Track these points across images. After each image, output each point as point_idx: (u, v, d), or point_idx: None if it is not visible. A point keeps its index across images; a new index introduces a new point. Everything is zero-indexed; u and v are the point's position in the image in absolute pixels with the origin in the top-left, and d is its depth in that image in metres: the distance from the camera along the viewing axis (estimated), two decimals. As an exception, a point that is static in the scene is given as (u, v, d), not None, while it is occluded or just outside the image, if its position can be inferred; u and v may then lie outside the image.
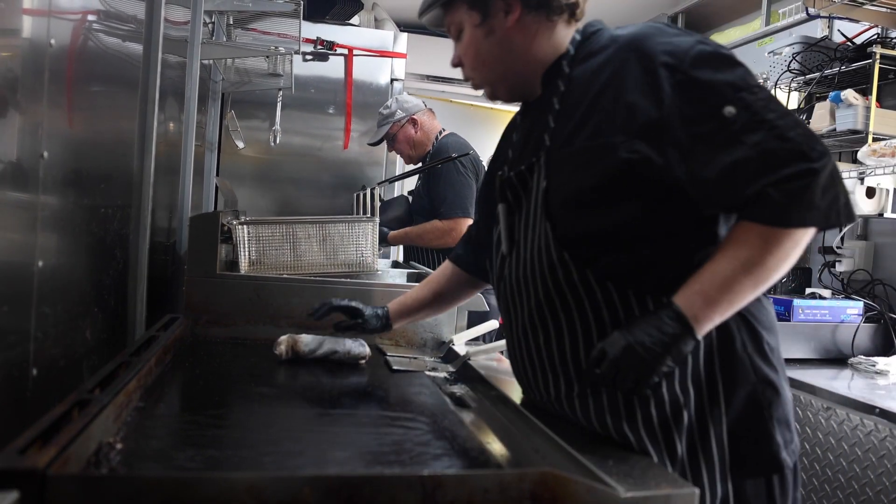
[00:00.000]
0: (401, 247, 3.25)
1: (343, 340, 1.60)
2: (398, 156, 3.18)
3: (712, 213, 1.04)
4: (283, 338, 1.58)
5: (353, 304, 1.57)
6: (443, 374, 1.56)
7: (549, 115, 1.13)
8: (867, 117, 2.38)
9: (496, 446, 1.10)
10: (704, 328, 0.99)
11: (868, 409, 1.91)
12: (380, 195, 2.79)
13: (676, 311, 0.98)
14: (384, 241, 2.87)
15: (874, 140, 2.37)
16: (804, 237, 0.97)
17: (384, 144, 3.09)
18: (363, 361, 1.60)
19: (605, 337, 1.04)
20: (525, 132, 1.22)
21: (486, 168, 1.47)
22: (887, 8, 2.38)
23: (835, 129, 2.46)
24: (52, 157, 1.17)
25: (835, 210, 0.95)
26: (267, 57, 3.15)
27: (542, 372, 1.14)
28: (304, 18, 3.02)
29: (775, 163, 0.93)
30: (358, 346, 1.59)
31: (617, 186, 1.03)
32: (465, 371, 1.57)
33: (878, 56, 2.37)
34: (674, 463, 1.04)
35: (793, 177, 0.93)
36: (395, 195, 3.31)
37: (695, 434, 1.05)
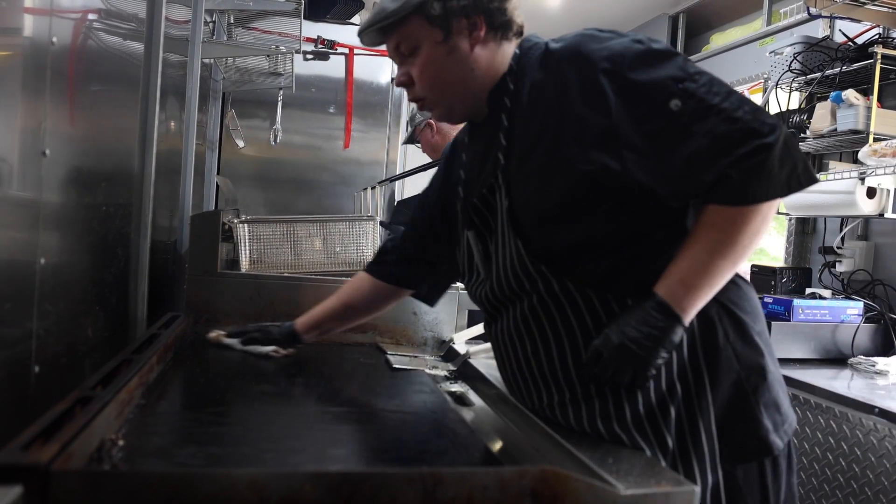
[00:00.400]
0: None
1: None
2: (398, 156, 3.18)
3: (678, 205, 1.06)
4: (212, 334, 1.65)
5: (259, 326, 1.60)
6: (443, 373, 1.57)
7: (500, 133, 1.13)
8: (868, 117, 2.38)
9: (496, 444, 1.10)
10: (690, 314, 1.03)
11: (868, 408, 1.91)
12: (392, 194, 2.79)
13: (660, 302, 1.01)
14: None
15: (875, 140, 2.37)
16: (770, 209, 1.01)
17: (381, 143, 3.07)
18: (275, 352, 1.56)
19: (590, 341, 1.06)
20: (478, 152, 1.21)
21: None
22: (889, 8, 2.38)
23: (835, 130, 2.46)
24: (54, 156, 1.17)
25: (795, 178, 1.00)
26: (268, 56, 3.16)
27: (532, 381, 1.15)
28: (304, 17, 3.02)
29: (729, 145, 0.96)
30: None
31: (580, 198, 1.05)
32: (465, 370, 1.57)
33: (879, 56, 2.37)
34: (665, 456, 1.05)
35: (748, 154, 0.96)
36: (411, 195, 3.32)
37: (684, 427, 1.07)
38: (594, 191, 1.04)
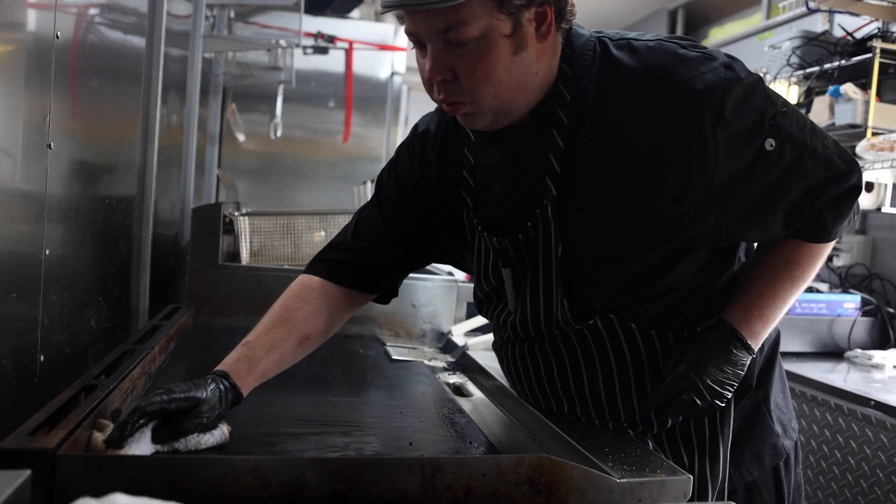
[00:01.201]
0: None
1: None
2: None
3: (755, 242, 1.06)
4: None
5: (177, 395, 0.89)
6: (442, 364, 1.58)
7: (551, 154, 0.95)
8: (866, 112, 2.39)
9: (494, 433, 1.12)
10: (758, 345, 1.03)
11: (864, 401, 1.93)
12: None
13: (742, 340, 0.99)
14: None
15: (873, 134, 2.38)
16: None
17: (386, 137, 3.08)
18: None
19: (625, 372, 1.02)
20: (507, 167, 1.01)
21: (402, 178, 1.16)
22: (888, 2, 2.38)
23: (834, 124, 2.47)
24: (58, 149, 1.18)
25: (857, 212, 1.03)
26: (268, 50, 3.17)
27: (553, 397, 1.10)
28: (304, 12, 3.03)
29: (825, 187, 0.97)
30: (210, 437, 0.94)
31: (662, 256, 0.96)
32: (463, 361, 1.58)
33: (878, 50, 2.37)
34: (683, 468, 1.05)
35: (841, 197, 0.98)
36: None
37: (706, 443, 1.06)
38: (679, 250, 0.96)
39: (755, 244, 1.09)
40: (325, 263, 1.16)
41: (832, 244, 1.03)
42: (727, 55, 0.94)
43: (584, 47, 0.95)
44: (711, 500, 1.06)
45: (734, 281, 1.05)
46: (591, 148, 0.94)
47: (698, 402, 0.98)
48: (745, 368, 1.00)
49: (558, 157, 0.95)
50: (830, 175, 0.97)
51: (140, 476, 0.72)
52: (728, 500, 1.07)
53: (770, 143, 0.92)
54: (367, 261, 1.15)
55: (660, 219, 0.93)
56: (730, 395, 1.00)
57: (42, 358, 1.14)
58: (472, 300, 1.90)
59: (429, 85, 0.92)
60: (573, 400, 1.07)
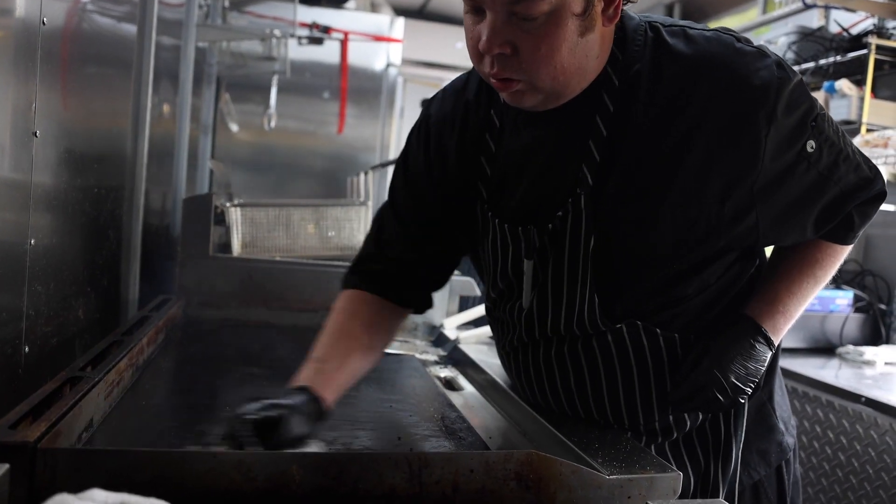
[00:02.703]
0: None
1: None
2: (392, 141, 3.17)
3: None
4: None
5: (268, 413, 0.86)
6: (433, 358, 1.58)
7: (591, 141, 0.90)
8: (861, 108, 2.39)
9: (484, 428, 1.11)
10: (779, 341, 1.03)
11: (854, 397, 1.94)
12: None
13: (765, 335, 0.98)
14: None
15: (868, 131, 2.38)
16: None
17: (382, 129, 3.05)
18: None
19: (646, 378, 0.99)
20: (540, 152, 0.96)
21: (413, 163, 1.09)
22: (884, -2, 2.38)
23: (829, 120, 2.46)
24: (45, 137, 1.17)
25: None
26: (262, 40, 3.14)
27: (569, 404, 1.05)
28: (299, 2, 3.00)
29: (855, 193, 0.98)
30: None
31: (700, 256, 0.93)
32: (455, 355, 1.58)
33: (873, 47, 2.37)
34: (687, 483, 1.04)
35: (870, 202, 1.01)
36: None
37: (720, 447, 1.06)
38: (713, 254, 0.94)
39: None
40: (360, 276, 1.12)
41: (850, 248, 1.05)
42: (774, 53, 0.93)
43: (635, 31, 0.91)
44: (721, 497, 1.05)
45: (753, 284, 1.04)
46: (637, 138, 0.89)
47: (720, 398, 0.96)
48: (766, 364, 0.99)
49: (599, 145, 0.90)
50: (859, 180, 0.97)
51: (122, 470, 0.71)
52: (737, 500, 1.07)
53: (811, 145, 0.91)
54: (394, 271, 1.10)
55: (702, 217, 0.89)
56: (751, 391, 0.98)
57: (27, 349, 1.13)
58: (464, 293, 1.90)
59: (478, 56, 0.85)
60: (589, 407, 1.03)
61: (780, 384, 1.16)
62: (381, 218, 1.14)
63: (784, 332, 1.02)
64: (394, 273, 1.10)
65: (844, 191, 0.96)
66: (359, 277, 1.12)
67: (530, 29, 0.81)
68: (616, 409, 1.02)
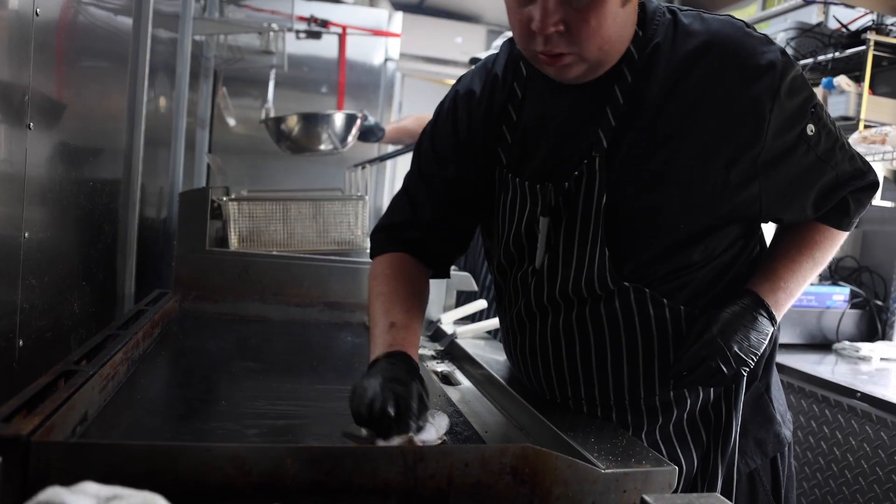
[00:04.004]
0: None
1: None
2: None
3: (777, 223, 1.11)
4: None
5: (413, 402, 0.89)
6: (430, 353, 1.57)
7: (608, 107, 0.97)
8: (859, 104, 2.39)
9: (480, 422, 1.11)
10: (781, 317, 1.07)
11: (850, 393, 1.94)
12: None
13: (768, 309, 1.03)
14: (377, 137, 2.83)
15: (866, 127, 2.38)
16: None
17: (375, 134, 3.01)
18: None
19: (649, 346, 1.02)
20: (561, 118, 1.02)
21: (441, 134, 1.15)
22: (883, -6, 2.37)
23: (827, 116, 2.46)
24: (39, 129, 1.16)
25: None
26: (260, 34, 3.12)
27: (571, 380, 1.08)
28: (297, -5, 2.98)
29: (849, 180, 1.06)
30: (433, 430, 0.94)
31: (706, 222, 0.98)
32: (452, 350, 1.58)
33: (872, 43, 2.37)
34: (690, 466, 1.08)
35: (863, 190, 1.08)
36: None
37: (717, 437, 1.09)
38: (718, 220, 0.99)
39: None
40: (398, 240, 1.16)
41: (845, 235, 1.11)
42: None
43: (654, 12, 0.99)
44: (719, 485, 1.08)
45: (754, 266, 1.09)
46: (650, 105, 0.96)
47: (724, 369, 0.99)
48: (769, 339, 1.03)
49: (615, 111, 0.97)
50: (854, 169, 1.06)
51: (117, 464, 0.70)
52: (727, 493, 1.09)
53: (810, 129, 0.98)
54: (427, 235, 1.15)
55: (709, 182, 0.95)
56: (753, 365, 1.02)
57: (21, 343, 1.12)
58: (461, 288, 1.90)
59: (528, 37, 0.92)
60: (592, 381, 1.06)
61: (776, 379, 1.19)
62: (408, 187, 1.19)
63: (785, 308, 1.07)
64: (426, 236, 1.15)
65: (840, 176, 1.04)
66: (395, 242, 1.16)
67: (579, 7, 0.88)
68: (618, 382, 1.05)
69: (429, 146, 1.17)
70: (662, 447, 1.07)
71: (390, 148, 3.35)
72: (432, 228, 1.15)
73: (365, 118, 2.72)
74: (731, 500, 1.06)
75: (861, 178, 1.07)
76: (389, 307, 1.06)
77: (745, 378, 1.06)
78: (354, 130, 2.15)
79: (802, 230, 1.09)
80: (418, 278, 1.15)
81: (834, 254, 1.12)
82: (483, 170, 1.10)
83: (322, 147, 2.33)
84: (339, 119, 1.99)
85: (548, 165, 1.03)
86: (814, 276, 1.10)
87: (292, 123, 1.92)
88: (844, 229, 1.10)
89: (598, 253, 0.99)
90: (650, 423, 1.07)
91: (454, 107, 1.13)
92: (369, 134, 2.78)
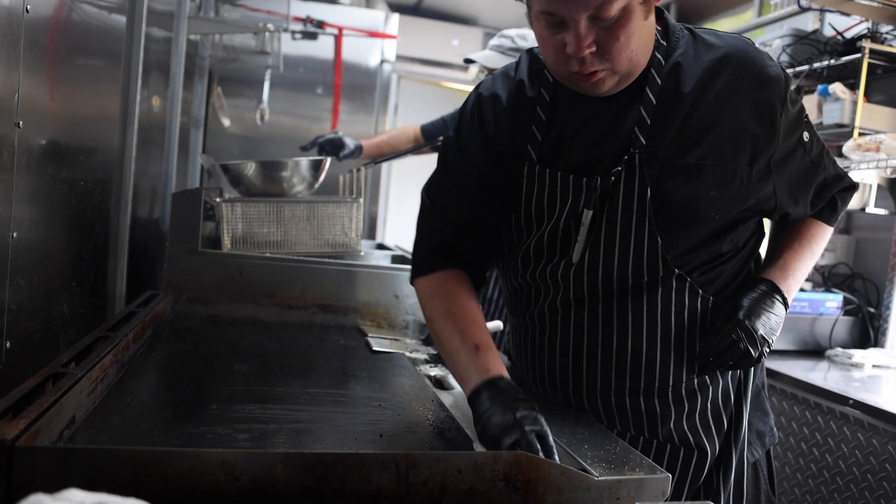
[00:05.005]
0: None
1: None
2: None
3: (784, 220, 1.23)
4: None
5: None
6: (423, 356, 1.56)
7: (642, 108, 1.05)
8: (854, 112, 2.39)
9: (473, 429, 1.10)
10: (791, 301, 1.18)
11: (842, 400, 1.94)
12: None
13: (783, 294, 1.14)
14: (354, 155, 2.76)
15: (860, 135, 2.38)
16: None
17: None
18: None
19: (681, 336, 1.10)
20: (598, 119, 1.08)
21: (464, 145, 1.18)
22: (878, 2, 2.38)
23: (821, 123, 2.47)
24: (29, 127, 1.15)
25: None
26: (255, 34, 3.11)
27: (603, 369, 1.13)
28: (293, -4, 2.98)
29: (834, 182, 1.21)
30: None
31: (735, 213, 1.08)
32: (445, 354, 1.57)
33: (867, 51, 2.37)
34: (713, 452, 1.16)
35: (846, 189, 1.24)
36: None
37: (731, 425, 1.17)
38: (744, 212, 1.09)
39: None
40: (439, 255, 1.18)
41: (832, 230, 1.25)
42: None
43: (674, 27, 1.09)
44: (733, 473, 1.16)
45: (759, 260, 1.22)
46: (680, 106, 1.04)
47: (751, 350, 1.07)
48: (783, 322, 1.13)
49: (649, 111, 1.05)
50: (837, 174, 1.21)
51: (103, 469, 0.69)
52: (739, 479, 1.17)
53: (806, 136, 1.12)
54: (460, 241, 1.17)
55: (737, 176, 1.05)
56: (771, 348, 1.11)
57: (8, 344, 1.11)
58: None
59: (563, 60, 0.99)
60: (625, 369, 1.12)
61: (765, 376, 1.31)
62: (431, 193, 1.21)
63: (794, 293, 1.17)
64: (460, 243, 1.17)
65: (828, 178, 1.19)
66: (440, 257, 1.18)
67: (607, 26, 0.96)
68: (650, 370, 1.11)
69: (455, 150, 1.19)
70: (690, 436, 1.14)
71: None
72: (463, 230, 1.17)
73: (339, 150, 2.69)
74: (742, 488, 1.17)
75: (843, 180, 1.23)
76: (465, 327, 1.08)
77: (748, 372, 1.17)
78: (322, 175, 2.06)
79: (800, 225, 1.22)
80: (473, 292, 1.17)
81: (824, 246, 1.25)
82: (510, 168, 1.13)
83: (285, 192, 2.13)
84: (303, 165, 1.92)
85: (583, 160, 1.08)
86: (811, 266, 1.22)
87: (250, 171, 1.84)
88: (832, 224, 1.24)
89: (648, 241, 1.06)
90: (677, 413, 1.13)
91: (479, 107, 1.17)
92: (348, 155, 2.77)
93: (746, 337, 1.07)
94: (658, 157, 1.04)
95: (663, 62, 1.06)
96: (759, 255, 1.23)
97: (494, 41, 2.40)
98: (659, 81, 1.05)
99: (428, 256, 1.18)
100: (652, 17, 1.02)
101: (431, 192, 1.21)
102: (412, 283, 1.21)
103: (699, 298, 1.10)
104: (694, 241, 1.07)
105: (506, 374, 1.02)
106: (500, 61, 2.23)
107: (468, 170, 1.17)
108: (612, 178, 1.06)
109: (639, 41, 0.99)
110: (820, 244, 1.23)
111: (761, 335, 1.08)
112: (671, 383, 1.12)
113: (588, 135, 1.08)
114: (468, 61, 2.46)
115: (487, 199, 1.16)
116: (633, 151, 1.05)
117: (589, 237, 1.08)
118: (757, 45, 1.10)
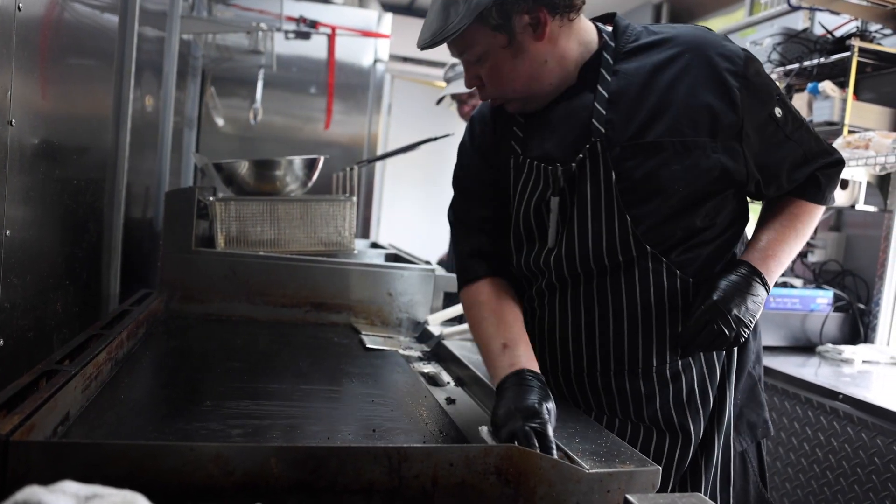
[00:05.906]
0: None
1: None
2: (379, 137, 3.16)
3: (764, 199, 1.24)
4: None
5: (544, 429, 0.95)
6: (416, 354, 1.57)
7: (597, 102, 1.11)
8: (843, 109, 2.41)
9: (465, 423, 1.11)
10: (772, 284, 1.18)
11: (833, 395, 1.96)
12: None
13: (762, 277, 1.13)
14: None
15: (849, 132, 2.40)
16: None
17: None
18: None
19: (662, 316, 1.13)
20: (560, 113, 1.16)
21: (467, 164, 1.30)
22: (867, 1, 2.40)
23: (811, 121, 2.49)
24: (21, 126, 1.15)
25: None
26: (248, 33, 3.11)
27: (588, 350, 1.17)
28: (286, -5, 2.97)
29: (816, 156, 1.19)
30: None
31: (701, 184, 1.09)
32: (438, 351, 1.58)
33: (856, 49, 2.39)
34: (697, 436, 1.18)
35: (829, 165, 1.21)
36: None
37: (714, 409, 1.19)
38: (713, 180, 1.10)
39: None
40: (482, 265, 1.25)
41: (822, 209, 1.24)
42: None
43: (627, 27, 1.16)
44: (715, 458, 1.17)
45: (741, 249, 1.22)
46: (635, 91, 1.10)
47: (726, 331, 1.08)
48: (763, 305, 1.13)
49: (603, 104, 1.11)
50: (820, 149, 1.20)
51: (97, 464, 0.70)
52: (726, 466, 1.19)
53: (778, 111, 1.13)
54: (494, 249, 1.25)
55: (697, 147, 1.08)
56: (751, 328, 1.11)
57: (1, 342, 1.11)
58: (448, 290, 1.90)
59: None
60: (608, 349, 1.15)
61: (762, 369, 1.32)
62: (453, 210, 1.31)
63: (776, 275, 1.17)
64: (490, 241, 1.25)
65: (808, 153, 1.18)
66: (477, 262, 1.25)
67: (481, 66, 1.12)
68: (633, 350, 1.14)
69: (460, 170, 1.31)
70: (675, 417, 1.16)
71: (380, 150, 3.34)
72: (486, 230, 1.25)
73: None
74: (729, 476, 1.19)
75: (827, 156, 1.21)
76: (495, 329, 1.15)
77: (745, 342, 1.18)
78: (315, 174, 2.07)
79: (783, 206, 1.22)
80: (509, 293, 1.22)
81: (813, 229, 1.24)
82: (504, 167, 1.22)
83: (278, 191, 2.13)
84: (297, 164, 1.93)
85: (552, 151, 1.16)
86: (800, 246, 1.22)
87: (243, 170, 1.85)
88: (820, 203, 1.22)
89: (618, 221, 1.10)
90: (662, 394, 1.16)
91: (470, 127, 1.30)
92: None
93: (721, 319, 1.08)
94: (618, 141, 1.09)
95: (611, 61, 1.13)
96: (745, 238, 1.25)
97: (454, 71, 2.68)
98: (608, 77, 1.12)
99: (467, 263, 1.26)
100: (529, 54, 1.09)
101: (453, 210, 1.31)
102: (458, 293, 1.29)
103: (678, 280, 1.12)
104: (662, 214, 1.09)
105: (532, 366, 1.06)
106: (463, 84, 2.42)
107: (473, 179, 1.28)
108: (574, 165, 1.11)
109: (514, 76, 1.11)
110: (806, 223, 1.22)
111: (735, 315, 1.08)
112: (654, 364, 1.15)
113: (554, 128, 1.16)
114: (440, 101, 2.76)
115: (496, 196, 1.24)
116: (595, 140, 1.10)
117: (563, 223, 1.14)
118: (748, 43, 1.13)
